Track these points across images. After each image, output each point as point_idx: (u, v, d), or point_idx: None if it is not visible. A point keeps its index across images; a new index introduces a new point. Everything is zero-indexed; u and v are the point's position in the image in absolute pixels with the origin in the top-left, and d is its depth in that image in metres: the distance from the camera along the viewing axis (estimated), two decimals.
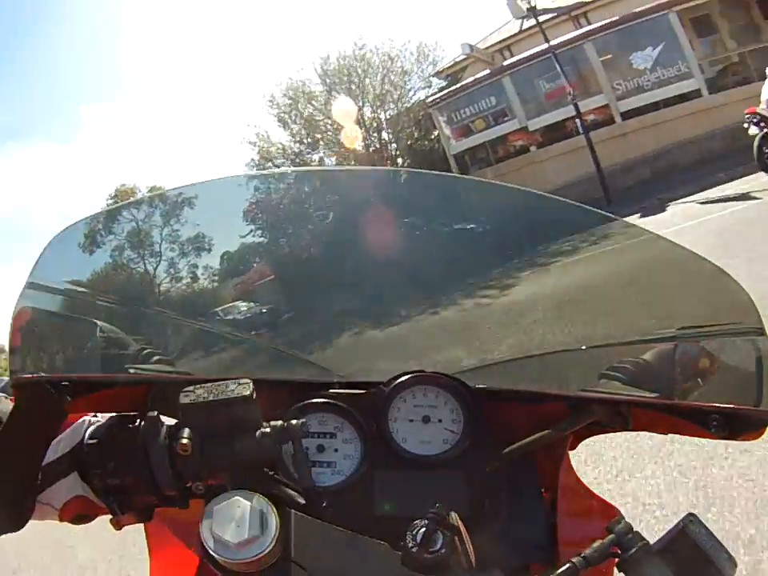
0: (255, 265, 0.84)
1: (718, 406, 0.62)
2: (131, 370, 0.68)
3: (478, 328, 0.82)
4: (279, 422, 0.52)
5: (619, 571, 0.48)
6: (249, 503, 0.44)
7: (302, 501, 0.54)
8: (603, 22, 12.56)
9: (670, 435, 0.76)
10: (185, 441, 0.47)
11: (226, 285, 0.82)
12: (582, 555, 0.49)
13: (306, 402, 0.69)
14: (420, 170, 0.83)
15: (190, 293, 0.78)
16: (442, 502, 0.64)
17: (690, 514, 0.49)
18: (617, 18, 12.30)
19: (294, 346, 0.81)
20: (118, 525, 0.51)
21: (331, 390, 0.73)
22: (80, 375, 0.65)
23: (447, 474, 0.66)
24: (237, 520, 0.43)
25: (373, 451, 0.66)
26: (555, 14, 14.69)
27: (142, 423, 0.49)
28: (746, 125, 7.76)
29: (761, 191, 7.15)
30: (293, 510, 0.49)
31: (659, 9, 11.89)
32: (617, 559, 0.49)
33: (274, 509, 0.45)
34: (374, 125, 15.80)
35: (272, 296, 0.83)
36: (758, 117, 7.55)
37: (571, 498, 0.69)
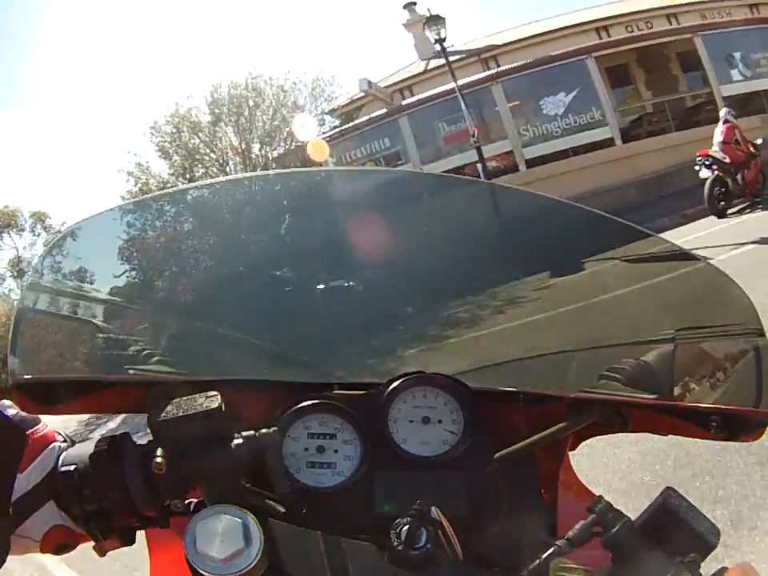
0: (255, 265, 0.84)
1: (718, 407, 0.62)
2: (131, 371, 0.68)
3: (478, 329, 0.82)
4: (252, 432, 0.52)
5: (605, 549, 0.48)
6: (230, 517, 0.44)
7: (282, 509, 0.54)
8: (515, 64, 11.78)
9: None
10: (159, 459, 0.47)
11: (226, 285, 0.82)
12: (566, 537, 0.50)
13: (305, 403, 0.69)
14: (429, 173, 0.83)
15: (190, 293, 0.78)
16: (442, 503, 0.64)
17: (669, 488, 0.49)
18: (530, 60, 11.63)
19: (294, 348, 0.81)
20: (101, 551, 0.50)
21: (331, 391, 0.74)
22: (80, 375, 0.65)
23: (447, 475, 0.66)
24: (220, 535, 0.43)
25: (373, 452, 0.66)
26: (464, 56, 13.92)
27: (115, 445, 0.48)
28: (697, 167, 7.53)
29: (701, 249, 5.65)
30: (275, 520, 0.49)
31: (576, 54, 11.36)
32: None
33: (256, 520, 0.45)
34: (262, 162, 13.97)
35: (272, 297, 0.83)
36: (711, 159, 7.35)
37: (571, 498, 0.69)
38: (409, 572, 0.46)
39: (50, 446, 0.51)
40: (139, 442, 0.50)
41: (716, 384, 0.65)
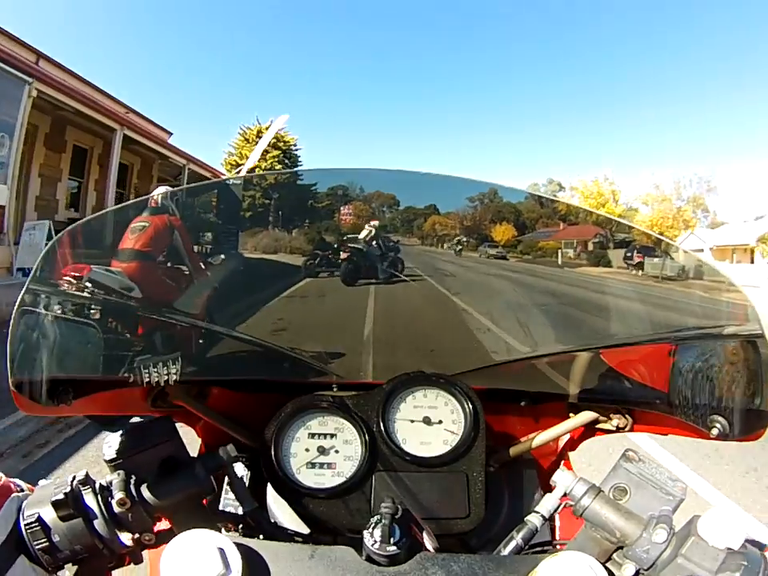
0: (257, 267, 0.84)
1: (719, 407, 0.62)
2: (131, 371, 0.68)
3: (479, 329, 0.82)
4: (207, 453, 0.52)
5: (577, 517, 0.49)
6: (205, 541, 0.42)
7: (252, 525, 0.54)
8: None
9: None
10: (121, 495, 0.46)
11: (228, 286, 0.82)
12: (535, 510, 0.51)
13: (306, 402, 0.69)
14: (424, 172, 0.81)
15: (191, 294, 0.78)
16: (443, 502, 0.64)
17: (628, 450, 0.50)
18: None
19: (296, 348, 0.80)
20: None
21: (332, 391, 0.73)
22: (80, 376, 0.65)
23: (447, 475, 0.66)
24: (198, 562, 0.41)
25: (373, 452, 0.66)
26: None
27: (75, 487, 0.47)
28: None
29: None
30: (246, 538, 0.48)
31: None
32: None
33: (232, 542, 0.43)
34: None
35: (274, 298, 0.83)
36: None
37: None
38: (389, 567, 0.46)
39: (9, 498, 0.48)
40: (99, 481, 0.48)
41: (716, 384, 0.65)
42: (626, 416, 0.73)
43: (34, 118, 9.09)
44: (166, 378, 0.66)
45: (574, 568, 0.41)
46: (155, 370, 0.66)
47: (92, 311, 0.68)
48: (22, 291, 0.61)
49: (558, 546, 0.57)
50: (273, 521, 0.57)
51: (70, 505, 0.45)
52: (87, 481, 0.47)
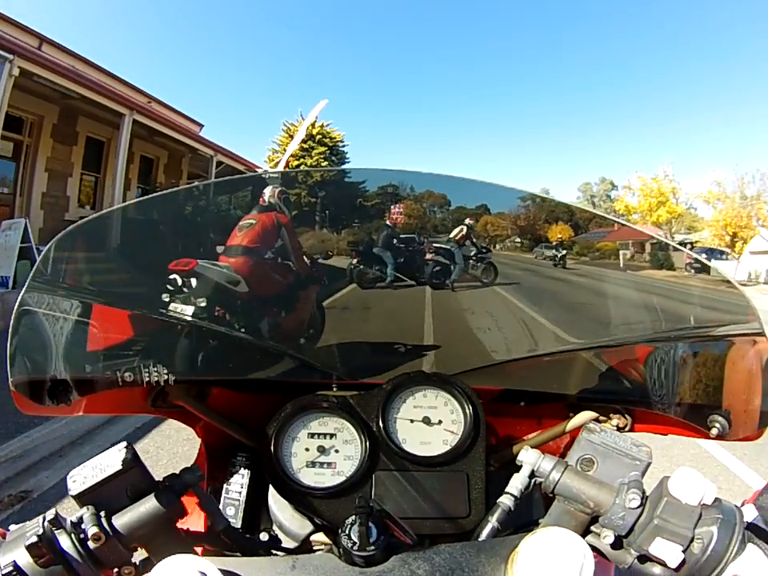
0: (255, 266, 0.83)
1: (718, 406, 0.62)
2: (131, 371, 0.68)
3: (479, 329, 0.82)
4: (172, 475, 0.52)
5: (549, 494, 0.49)
6: (186, 568, 0.41)
7: (227, 542, 0.53)
8: None
9: None
10: (94, 529, 0.45)
11: (228, 285, 0.82)
12: (506, 492, 0.52)
13: (306, 402, 0.69)
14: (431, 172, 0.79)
15: (191, 294, 0.78)
16: (443, 502, 0.64)
17: (589, 422, 0.51)
18: None
19: (296, 347, 0.81)
20: None
21: (332, 391, 0.74)
22: (80, 375, 0.66)
23: (447, 475, 0.66)
24: None
25: (373, 452, 0.66)
26: None
27: (46, 528, 0.45)
28: None
29: None
30: (224, 557, 0.48)
31: None
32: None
33: (212, 564, 0.42)
34: None
35: (274, 298, 0.83)
36: None
37: None
38: (371, 568, 0.45)
39: None
40: (69, 518, 0.47)
41: (716, 384, 0.65)
42: (626, 416, 0.73)
43: (38, 107, 8.71)
44: (166, 377, 0.67)
45: (555, 543, 0.40)
46: (155, 369, 0.67)
47: (92, 311, 0.69)
48: (23, 291, 0.62)
49: (537, 523, 0.56)
50: (249, 535, 0.57)
51: (44, 547, 0.44)
52: (58, 520, 0.46)
